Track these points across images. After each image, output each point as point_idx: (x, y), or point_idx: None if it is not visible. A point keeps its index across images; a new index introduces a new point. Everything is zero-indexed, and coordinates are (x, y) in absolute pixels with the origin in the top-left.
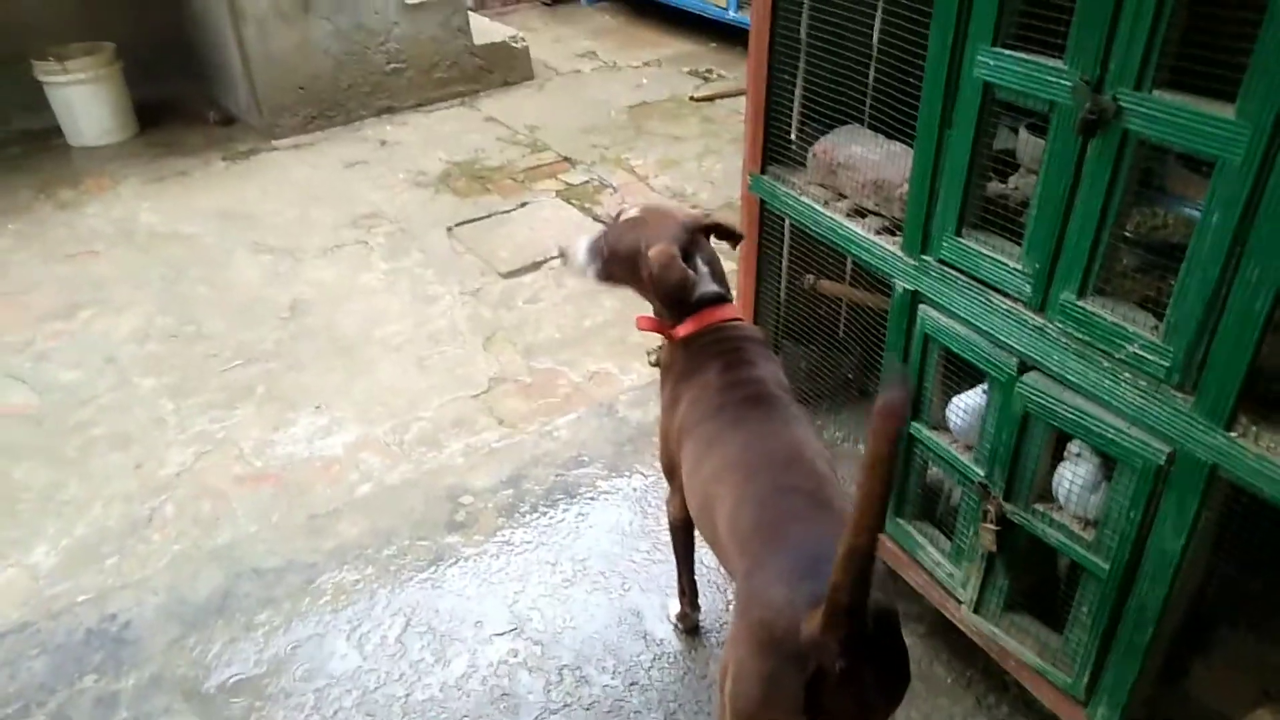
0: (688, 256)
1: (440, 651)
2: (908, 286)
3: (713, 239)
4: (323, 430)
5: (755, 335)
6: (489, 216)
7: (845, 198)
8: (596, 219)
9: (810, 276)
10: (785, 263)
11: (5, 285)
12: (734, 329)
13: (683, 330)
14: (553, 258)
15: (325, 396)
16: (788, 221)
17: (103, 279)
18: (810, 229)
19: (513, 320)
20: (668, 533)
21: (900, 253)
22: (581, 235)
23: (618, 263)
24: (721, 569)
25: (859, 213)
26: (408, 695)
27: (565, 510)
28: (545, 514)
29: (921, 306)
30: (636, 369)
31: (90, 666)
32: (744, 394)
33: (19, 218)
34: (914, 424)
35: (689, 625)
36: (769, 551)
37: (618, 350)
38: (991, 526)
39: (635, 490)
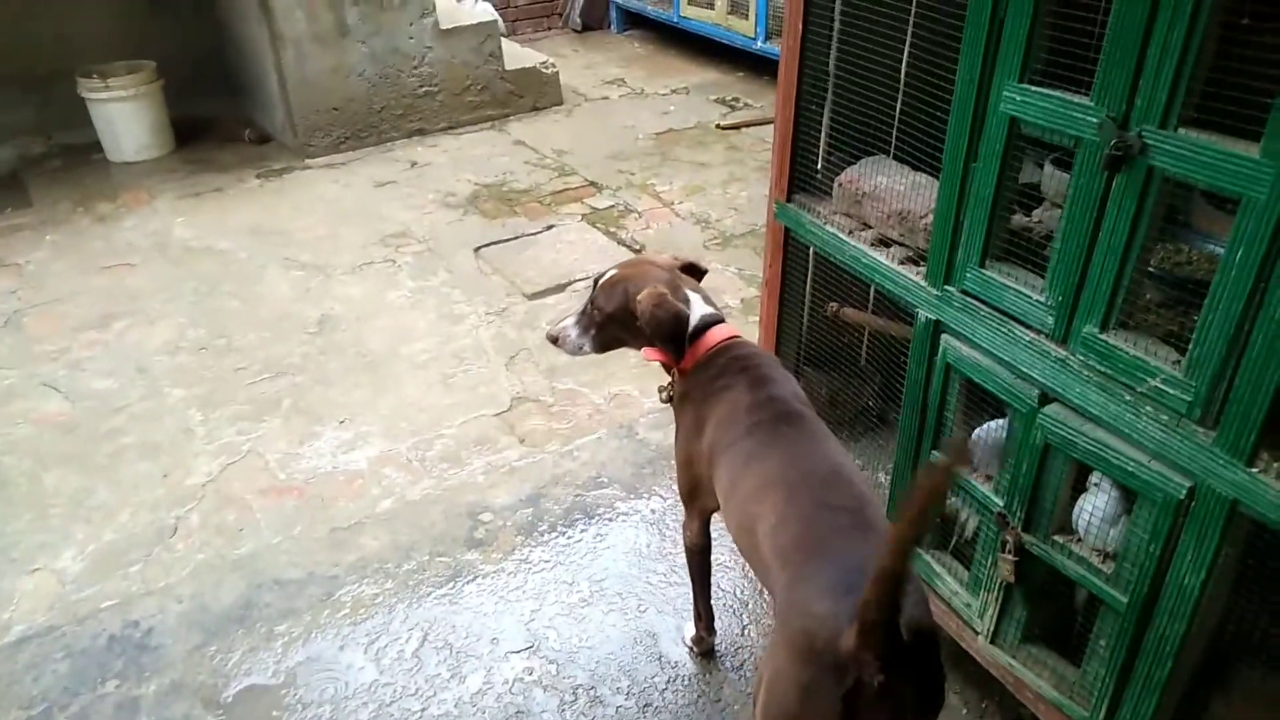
0: (674, 292)
1: (456, 667)
2: (931, 316)
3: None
4: (347, 444)
5: (762, 351)
6: (516, 239)
7: (870, 228)
8: (621, 242)
9: (833, 305)
10: (809, 290)
11: (42, 295)
12: (740, 346)
13: (689, 360)
14: (578, 280)
15: (350, 411)
16: (812, 250)
17: (137, 291)
18: (834, 258)
19: (536, 341)
20: (684, 555)
21: (924, 283)
22: (566, 317)
23: (611, 324)
24: (739, 590)
25: (883, 242)
26: (423, 710)
27: (583, 530)
28: (564, 533)
29: (944, 336)
30: (656, 392)
31: (113, 672)
32: (773, 412)
33: (58, 229)
34: (934, 453)
35: (704, 649)
36: (813, 566)
37: (638, 373)
38: (1010, 557)
39: (654, 512)
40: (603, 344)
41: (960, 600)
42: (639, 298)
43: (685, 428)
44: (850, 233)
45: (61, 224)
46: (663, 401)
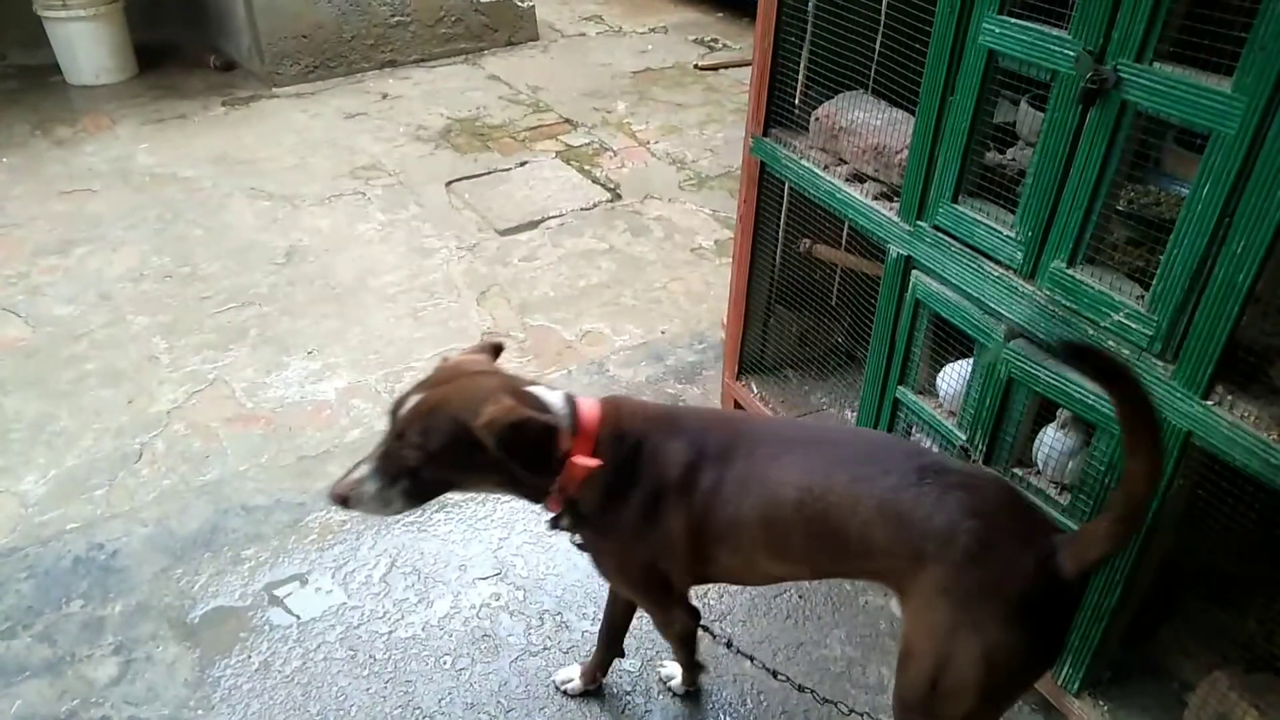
0: (519, 398)
1: (424, 592)
2: (902, 252)
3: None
4: (315, 375)
5: (632, 400)
6: (489, 174)
7: (845, 163)
8: (596, 180)
9: (806, 241)
10: (783, 227)
11: (0, 219)
12: (618, 408)
13: (581, 467)
14: (551, 218)
15: (318, 342)
16: (787, 186)
17: (98, 217)
18: (809, 193)
19: (508, 277)
20: None
21: (896, 218)
22: (357, 467)
23: (437, 467)
24: None
25: (858, 178)
26: (390, 632)
27: None
28: None
29: (914, 272)
30: (629, 330)
31: (77, 592)
32: (735, 445)
33: (14, 152)
34: (900, 388)
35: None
36: (962, 530)
37: (611, 311)
38: None
39: None
40: (422, 493)
41: None
42: (483, 422)
43: (619, 537)
44: (826, 168)
45: (18, 147)
46: (564, 529)
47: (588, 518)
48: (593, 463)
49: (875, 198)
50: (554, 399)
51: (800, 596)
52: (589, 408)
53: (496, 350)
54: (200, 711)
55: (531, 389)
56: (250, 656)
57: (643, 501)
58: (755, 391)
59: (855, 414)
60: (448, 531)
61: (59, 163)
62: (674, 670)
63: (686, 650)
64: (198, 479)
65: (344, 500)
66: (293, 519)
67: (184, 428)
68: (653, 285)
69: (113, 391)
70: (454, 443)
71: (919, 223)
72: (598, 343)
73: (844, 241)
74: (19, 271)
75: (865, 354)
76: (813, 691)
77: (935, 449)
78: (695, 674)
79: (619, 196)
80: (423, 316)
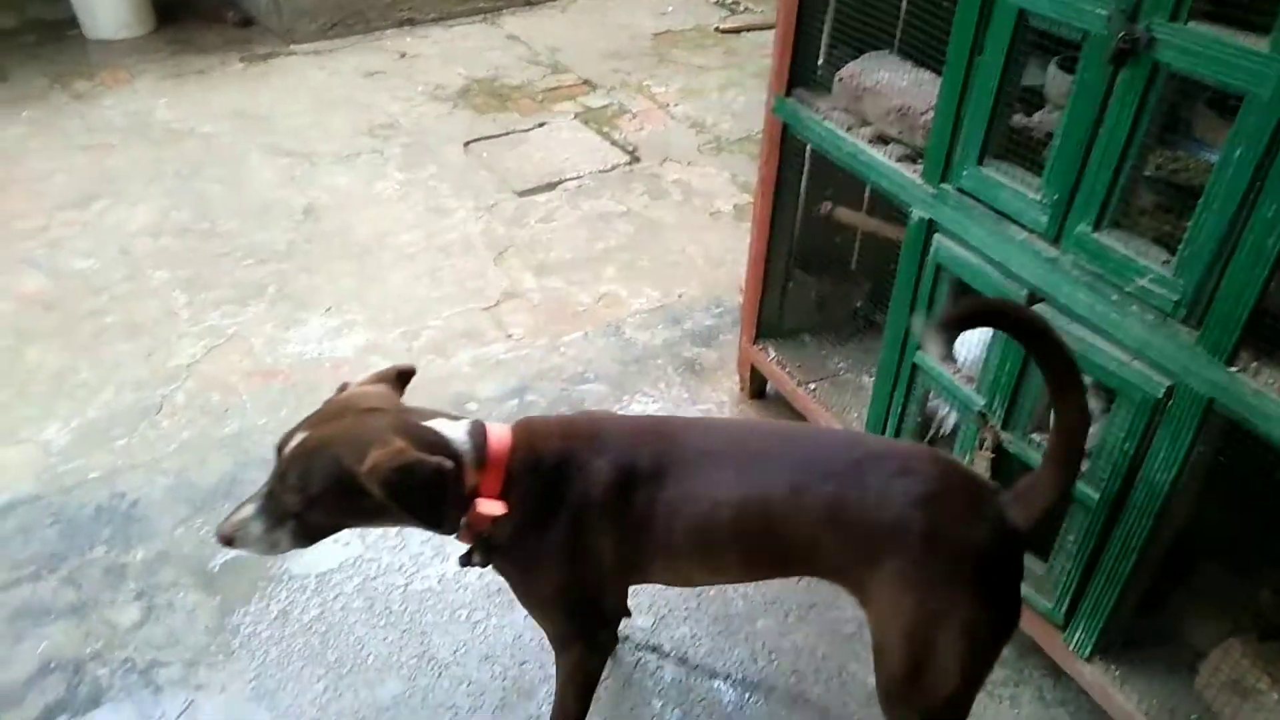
0: (411, 437)
1: (440, 547)
2: (925, 215)
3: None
4: (333, 332)
5: (548, 419)
6: (507, 134)
7: (869, 124)
8: (615, 143)
9: (826, 204)
10: (804, 190)
11: (20, 172)
12: (531, 431)
13: (489, 502)
14: (569, 179)
15: (337, 300)
16: (809, 147)
17: (117, 172)
18: (831, 155)
19: (525, 238)
20: None
21: (920, 180)
22: (242, 505)
23: (327, 505)
24: None
25: (881, 139)
26: (406, 585)
27: None
28: None
29: (936, 236)
30: (646, 293)
31: (100, 539)
32: (665, 463)
33: (33, 106)
34: (919, 353)
35: None
36: (913, 520)
37: (628, 274)
38: (987, 454)
39: (638, 410)
40: (310, 534)
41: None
42: (368, 469)
43: (539, 568)
44: (849, 129)
45: (37, 100)
46: (477, 564)
47: (502, 550)
48: (497, 509)
49: (899, 160)
50: (456, 432)
51: None
52: (498, 436)
53: (404, 377)
54: (220, 657)
55: (431, 423)
56: (269, 605)
57: (565, 527)
58: (773, 356)
59: (874, 379)
60: None
61: (78, 117)
62: None
63: (582, 701)
64: (218, 432)
65: (229, 541)
66: None
67: (203, 382)
68: (670, 249)
69: (132, 345)
70: (336, 487)
71: (943, 185)
72: (615, 305)
73: (865, 205)
74: (39, 225)
75: (885, 319)
76: None
77: (865, 433)
78: None
79: (638, 159)
80: (440, 276)
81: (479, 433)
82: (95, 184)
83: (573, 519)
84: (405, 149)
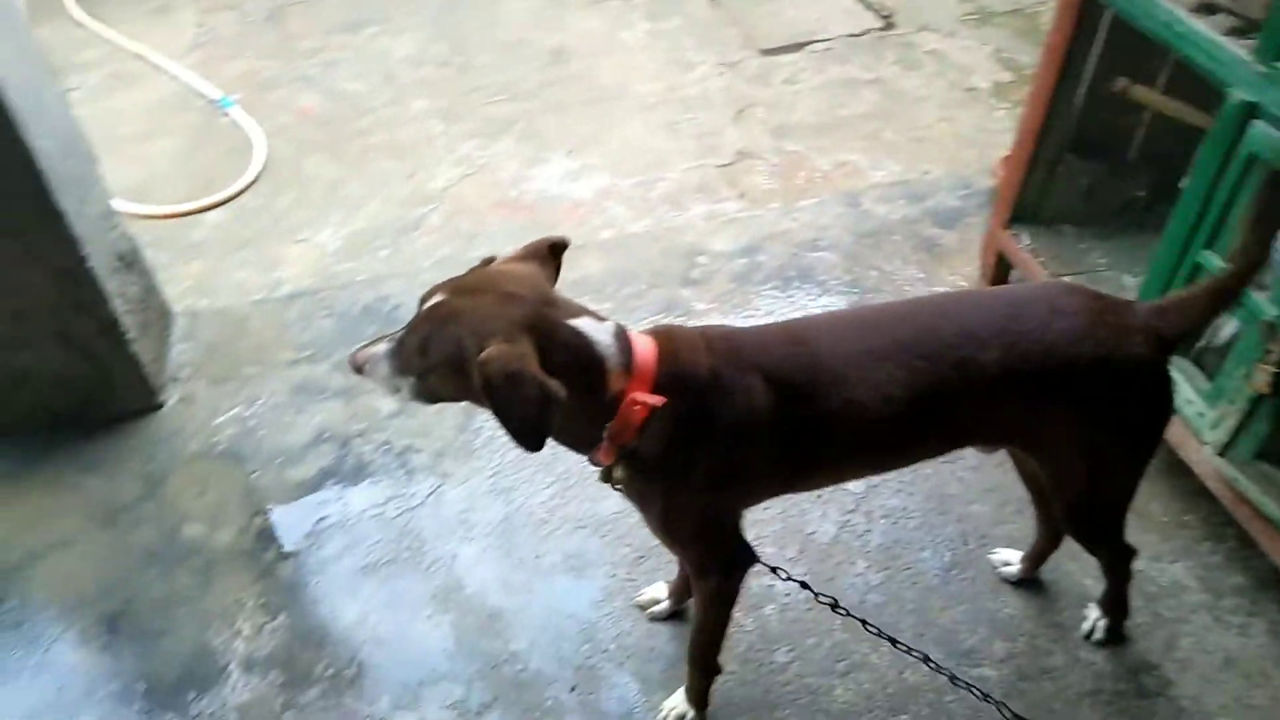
0: (547, 335)
1: None
2: (1246, 98)
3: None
4: (573, 174)
5: (687, 330)
6: None
7: None
8: (869, 6)
9: (1122, 80)
10: (1092, 64)
11: None
12: (675, 342)
13: (642, 406)
14: (817, 41)
15: (578, 143)
16: (1107, 13)
17: (385, 0)
18: (1140, 23)
19: (767, 98)
20: None
21: (1249, 57)
22: (379, 340)
23: (442, 377)
24: None
25: (1207, 8)
26: None
27: (798, 289)
28: (778, 287)
29: (1255, 123)
30: (888, 166)
31: (366, 334)
32: (819, 375)
33: None
34: (1205, 253)
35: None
36: (1081, 355)
37: (871, 145)
38: (1271, 368)
39: (870, 282)
40: (428, 396)
41: (1192, 409)
42: (481, 360)
43: (688, 488)
44: None
45: None
46: (619, 482)
47: (647, 468)
48: (656, 400)
49: (1226, 33)
50: (601, 334)
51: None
52: (644, 345)
53: (556, 250)
54: (462, 455)
55: (575, 321)
56: None
57: (721, 447)
58: (1026, 243)
59: (1138, 278)
60: None
61: None
62: (677, 700)
63: (725, 620)
64: (467, 253)
65: (358, 369)
66: None
67: (456, 206)
68: (918, 123)
69: (395, 165)
70: (450, 366)
71: (1276, 64)
72: (853, 175)
73: (1160, 86)
74: (316, 46)
75: (1166, 212)
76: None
77: (985, 289)
78: (711, 681)
79: (892, 25)
80: (678, 129)
81: (624, 337)
82: (365, 10)
83: (730, 439)
84: None
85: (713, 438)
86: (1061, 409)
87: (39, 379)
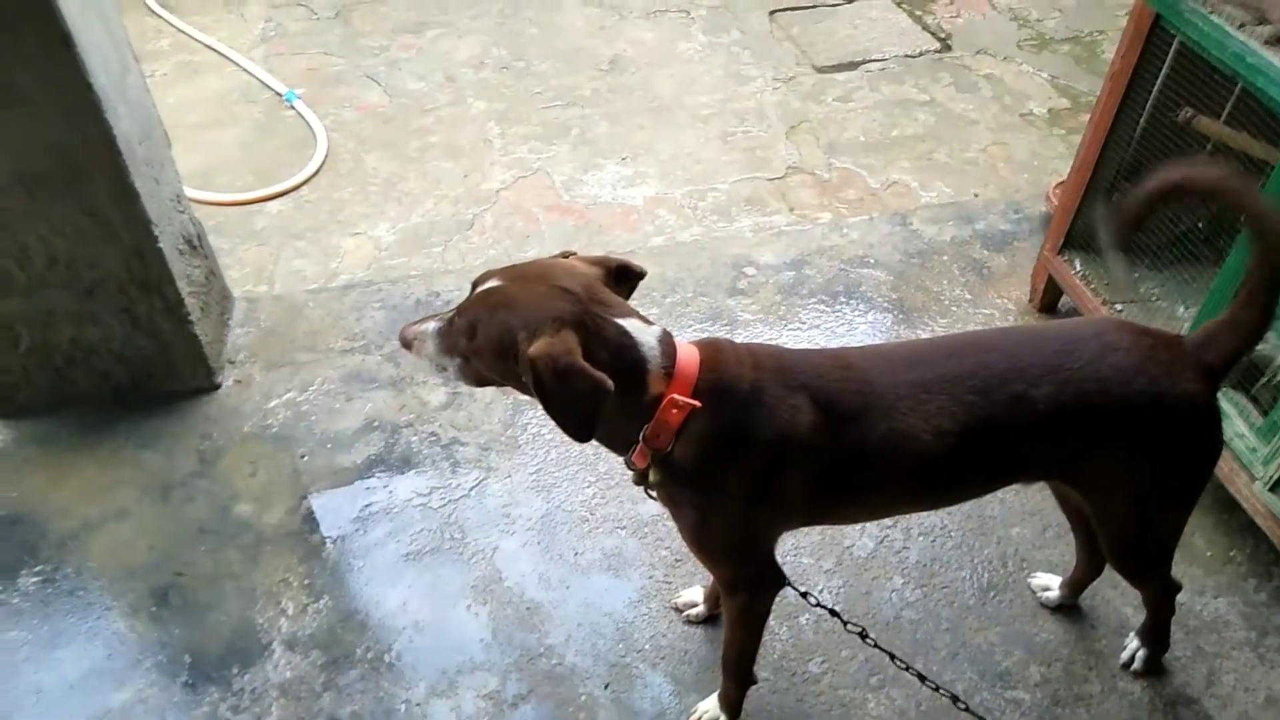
0: (591, 334)
1: None
2: None
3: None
4: (626, 180)
5: (734, 343)
6: (814, 7)
7: (1269, 22)
8: (926, 28)
9: (1189, 110)
10: (1156, 92)
11: None
12: (720, 352)
13: (679, 409)
14: (873, 60)
15: (632, 150)
16: (1176, 42)
17: (448, 3)
18: (1210, 53)
19: (820, 115)
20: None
21: None
22: (428, 319)
23: (486, 361)
24: None
25: None
26: None
27: (844, 304)
28: (824, 301)
29: None
30: (939, 187)
31: None
32: (869, 401)
33: None
34: None
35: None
36: (1134, 393)
37: (922, 165)
38: None
39: (917, 302)
40: (473, 378)
41: (1244, 443)
42: (532, 353)
43: (721, 500)
44: (1241, 26)
45: None
46: (651, 487)
47: (681, 476)
48: (691, 401)
49: None
50: (646, 336)
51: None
52: (688, 352)
53: (625, 273)
54: (507, 449)
55: (623, 321)
56: None
57: (757, 462)
58: (1077, 270)
59: (1191, 310)
60: None
61: None
62: (710, 704)
63: (755, 637)
64: (519, 254)
65: (407, 344)
66: None
67: (509, 207)
68: (971, 145)
69: (452, 164)
70: (498, 351)
71: None
72: (903, 195)
73: (1224, 116)
74: (381, 45)
75: (1228, 251)
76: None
77: (1033, 324)
78: (745, 690)
79: (948, 47)
80: (731, 141)
81: (669, 341)
82: (429, 13)
83: (768, 457)
84: (711, 11)
85: (750, 452)
86: (1112, 446)
87: (104, 353)
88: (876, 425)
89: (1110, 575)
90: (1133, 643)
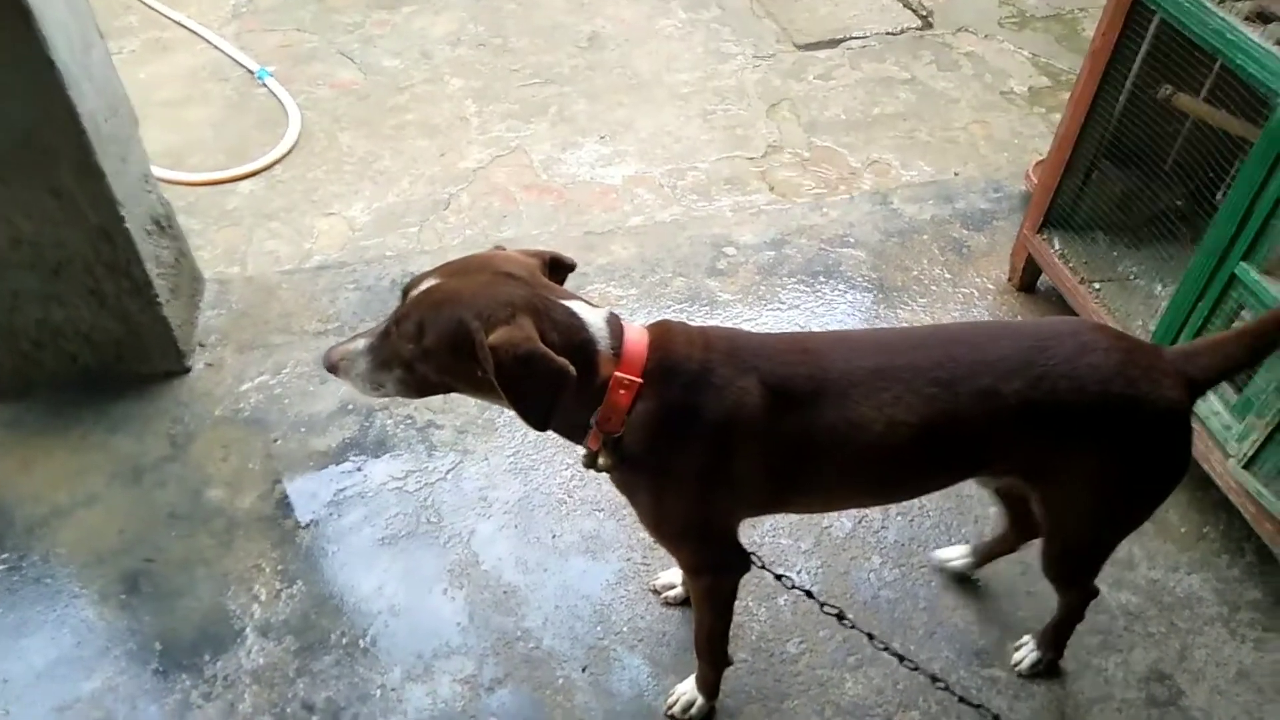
0: (541, 317)
1: None
2: None
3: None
4: (605, 159)
5: (685, 325)
6: None
7: None
8: (907, 5)
9: (1168, 88)
10: (1135, 70)
11: None
12: (670, 334)
13: (624, 392)
14: (853, 38)
15: (611, 128)
16: (1156, 19)
17: None
18: (1190, 29)
19: (801, 93)
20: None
21: None
22: (356, 337)
23: (439, 361)
24: None
25: (1261, 17)
26: None
27: (823, 284)
28: (804, 281)
29: None
30: (919, 166)
31: (392, 308)
32: (822, 385)
33: None
34: (1242, 264)
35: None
36: (1110, 394)
37: (904, 144)
38: None
39: (897, 281)
40: (416, 387)
41: (1219, 420)
42: (491, 344)
43: (672, 483)
44: (1221, 2)
45: None
46: (602, 469)
47: (633, 460)
48: (634, 379)
49: (1279, 42)
50: (593, 318)
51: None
52: (636, 333)
53: (556, 266)
54: (483, 432)
55: (569, 303)
56: None
57: (706, 447)
58: (1056, 248)
59: (1169, 288)
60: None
61: None
62: (687, 686)
63: (723, 619)
64: (496, 234)
65: (332, 368)
66: (575, 286)
67: (486, 186)
68: (952, 124)
69: (428, 142)
70: (451, 347)
71: None
72: (883, 174)
73: (1204, 94)
74: (355, 21)
75: (1201, 224)
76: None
77: (1007, 320)
78: (720, 672)
79: (930, 25)
80: (712, 119)
81: (616, 323)
82: None
83: (715, 439)
84: None
85: (698, 434)
86: (1082, 446)
87: (71, 335)
88: (826, 412)
89: None
90: (1028, 645)
